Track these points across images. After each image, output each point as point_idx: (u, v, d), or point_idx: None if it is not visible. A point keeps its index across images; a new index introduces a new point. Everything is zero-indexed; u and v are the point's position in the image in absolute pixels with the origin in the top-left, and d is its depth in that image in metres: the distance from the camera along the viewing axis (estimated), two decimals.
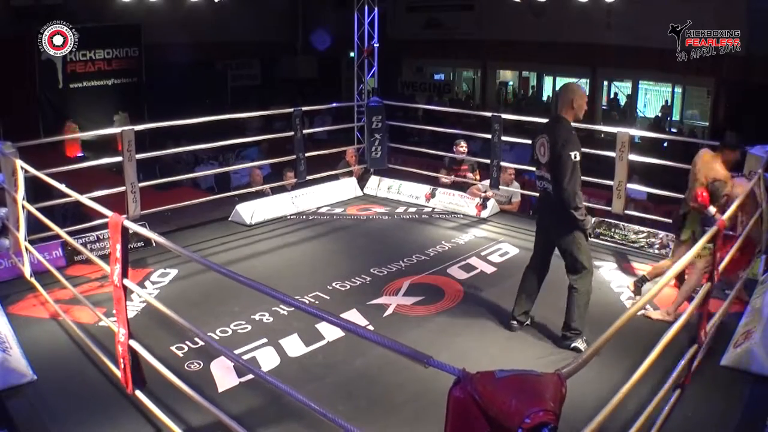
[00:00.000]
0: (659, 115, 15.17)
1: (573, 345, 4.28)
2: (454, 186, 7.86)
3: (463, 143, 7.88)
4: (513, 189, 7.68)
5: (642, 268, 5.77)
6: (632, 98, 15.85)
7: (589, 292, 4.34)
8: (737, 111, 12.90)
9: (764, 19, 11.53)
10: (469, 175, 7.87)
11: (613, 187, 6.34)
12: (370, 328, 4.49)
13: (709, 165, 4.74)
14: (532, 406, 1.71)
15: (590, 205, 7.83)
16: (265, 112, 9.15)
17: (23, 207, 4.89)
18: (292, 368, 4.03)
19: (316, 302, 5.00)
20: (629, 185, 6.43)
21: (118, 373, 3.55)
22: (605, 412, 2.27)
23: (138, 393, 3.42)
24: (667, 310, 4.72)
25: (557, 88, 17.38)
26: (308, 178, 7.67)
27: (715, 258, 3.55)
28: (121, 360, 3.43)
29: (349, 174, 8.48)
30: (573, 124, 4.20)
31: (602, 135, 10.73)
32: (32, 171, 4.77)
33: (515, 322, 4.57)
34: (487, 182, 7.59)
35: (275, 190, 7.88)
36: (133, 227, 3.41)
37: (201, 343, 4.17)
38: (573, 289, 4.32)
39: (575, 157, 4.02)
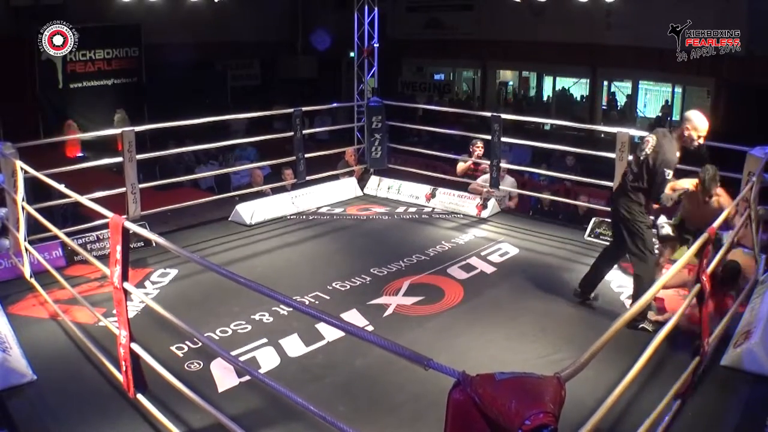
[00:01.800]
0: (659, 115, 15.16)
1: (640, 326, 4.48)
2: (456, 185, 7.82)
3: (479, 143, 7.73)
4: (507, 187, 7.68)
5: None
6: (632, 98, 15.84)
7: (652, 277, 4.52)
8: (737, 111, 12.91)
9: (764, 19, 11.53)
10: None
11: (613, 188, 6.33)
12: (370, 328, 4.49)
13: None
14: (532, 408, 1.71)
15: (590, 205, 7.87)
16: (262, 113, 9.04)
17: (23, 208, 4.89)
18: (292, 368, 4.03)
19: (316, 302, 5.00)
20: None
21: (119, 376, 3.55)
22: (600, 413, 2.28)
23: (139, 396, 3.42)
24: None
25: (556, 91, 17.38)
26: (308, 178, 7.66)
27: (702, 265, 3.54)
28: (123, 363, 3.43)
29: (349, 174, 8.48)
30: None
31: (602, 135, 10.74)
32: (32, 172, 4.77)
33: (579, 289, 4.95)
34: (486, 177, 7.57)
35: (275, 190, 7.88)
36: (134, 228, 3.41)
37: (201, 343, 4.17)
38: (637, 276, 4.62)
39: (668, 175, 4.41)
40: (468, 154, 7.86)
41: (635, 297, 4.66)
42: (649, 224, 4.66)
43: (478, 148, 7.76)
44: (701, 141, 4.47)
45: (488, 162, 7.75)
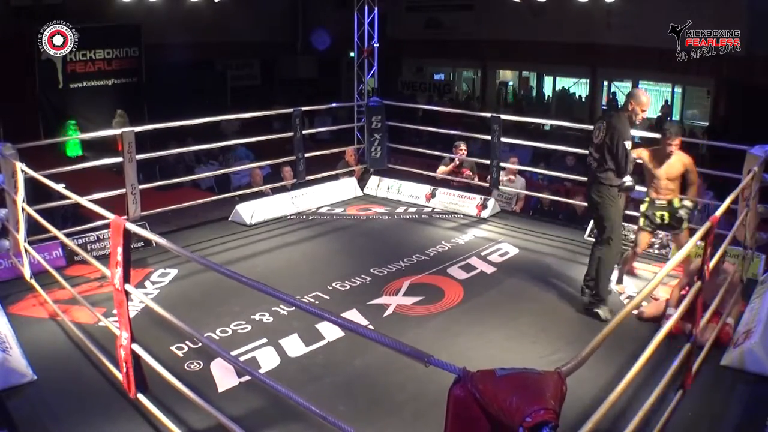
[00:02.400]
0: (659, 114, 15.16)
1: (594, 310, 4.68)
2: (454, 186, 7.83)
3: (462, 145, 7.83)
4: (518, 189, 7.65)
5: (641, 267, 5.78)
6: None
7: (612, 264, 4.87)
8: (737, 111, 12.90)
9: (764, 19, 11.52)
10: (468, 173, 7.84)
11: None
12: (370, 328, 4.49)
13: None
14: (533, 404, 1.71)
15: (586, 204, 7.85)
16: (261, 113, 9.01)
17: (23, 209, 4.88)
18: (292, 368, 4.03)
19: (316, 302, 5.00)
20: None
21: (120, 376, 3.55)
22: (601, 411, 2.28)
23: (139, 396, 3.42)
24: (656, 303, 4.75)
25: (557, 89, 17.38)
26: (308, 178, 7.66)
27: (706, 254, 3.54)
28: (123, 364, 3.43)
29: (349, 174, 8.48)
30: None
31: None
32: (32, 173, 4.77)
33: (585, 288, 4.95)
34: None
35: (275, 190, 7.87)
36: (136, 230, 3.41)
37: (201, 343, 4.16)
38: (599, 259, 4.78)
39: (628, 147, 4.70)
40: (450, 158, 7.90)
41: (596, 278, 4.77)
42: (620, 210, 4.86)
43: (462, 151, 7.77)
44: (644, 115, 4.79)
45: (473, 161, 7.82)
